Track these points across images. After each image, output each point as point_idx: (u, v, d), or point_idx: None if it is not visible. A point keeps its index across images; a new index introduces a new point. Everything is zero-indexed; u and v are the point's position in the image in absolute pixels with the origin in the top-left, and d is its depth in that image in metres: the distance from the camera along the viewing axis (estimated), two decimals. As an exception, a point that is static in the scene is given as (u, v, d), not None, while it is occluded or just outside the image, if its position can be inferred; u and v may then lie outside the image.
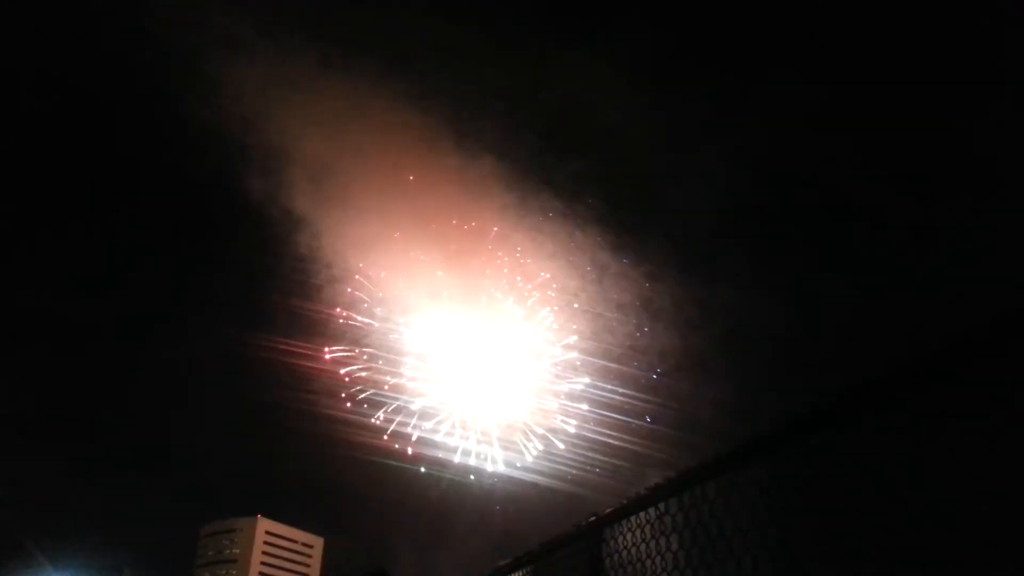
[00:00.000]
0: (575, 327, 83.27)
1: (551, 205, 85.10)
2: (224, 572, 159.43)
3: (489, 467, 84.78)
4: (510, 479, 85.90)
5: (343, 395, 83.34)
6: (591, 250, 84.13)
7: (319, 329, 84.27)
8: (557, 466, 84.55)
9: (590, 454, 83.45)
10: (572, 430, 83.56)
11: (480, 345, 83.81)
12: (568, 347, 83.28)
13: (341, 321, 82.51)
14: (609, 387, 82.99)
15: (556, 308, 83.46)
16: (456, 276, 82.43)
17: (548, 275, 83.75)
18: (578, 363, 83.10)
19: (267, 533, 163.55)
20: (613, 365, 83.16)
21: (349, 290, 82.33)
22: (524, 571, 5.30)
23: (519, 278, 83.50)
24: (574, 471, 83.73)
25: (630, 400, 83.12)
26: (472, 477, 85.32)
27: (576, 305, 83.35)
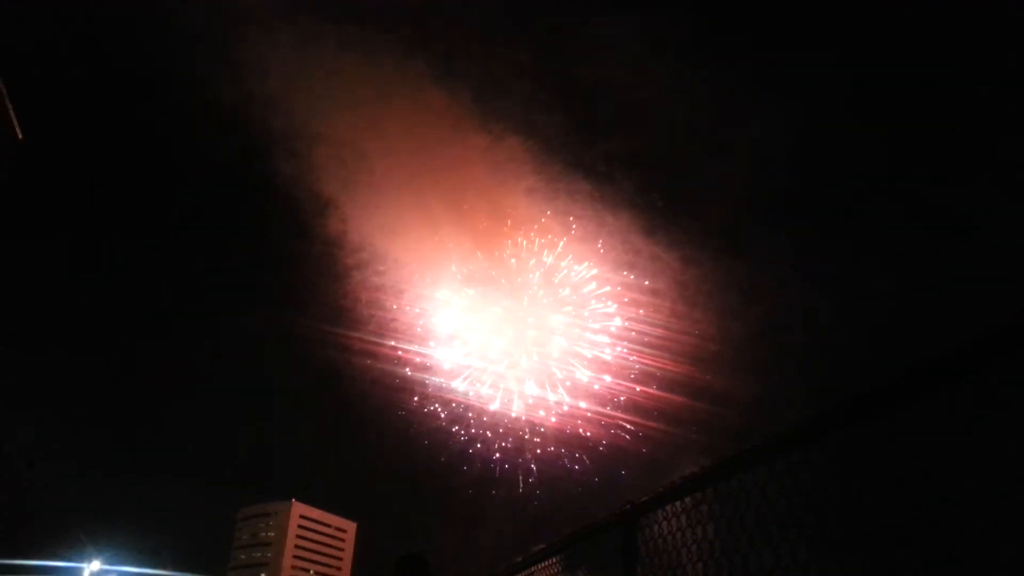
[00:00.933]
0: (606, 312, 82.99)
1: (580, 187, 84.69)
2: (260, 555, 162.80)
3: (519, 454, 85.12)
4: (544, 465, 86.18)
5: (374, 379, 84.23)
6: (622, 233, 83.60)
7: (348, 313, 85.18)
8: (591, 453, 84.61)
9: (624, 443, 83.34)
10: (605, 418, 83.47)
11: (508, 328, 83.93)
12: (600, 332, 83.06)
13: (369, 304, 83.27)
14: (643, 375, 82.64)
15: (587, 293, 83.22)
16: (483, 258, 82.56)
17: (578, 259, 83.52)
18: (611, 350, 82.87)
19: (301, 517, 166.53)
20: (647, 352, 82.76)
21: (377, 273, 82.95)
22: (558, 557, 5.35)
23: (550, 259, 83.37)
24: (608, 459, 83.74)
25: (665, 388, 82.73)
26: (504, 463, 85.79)
27: (607, 289, 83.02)
